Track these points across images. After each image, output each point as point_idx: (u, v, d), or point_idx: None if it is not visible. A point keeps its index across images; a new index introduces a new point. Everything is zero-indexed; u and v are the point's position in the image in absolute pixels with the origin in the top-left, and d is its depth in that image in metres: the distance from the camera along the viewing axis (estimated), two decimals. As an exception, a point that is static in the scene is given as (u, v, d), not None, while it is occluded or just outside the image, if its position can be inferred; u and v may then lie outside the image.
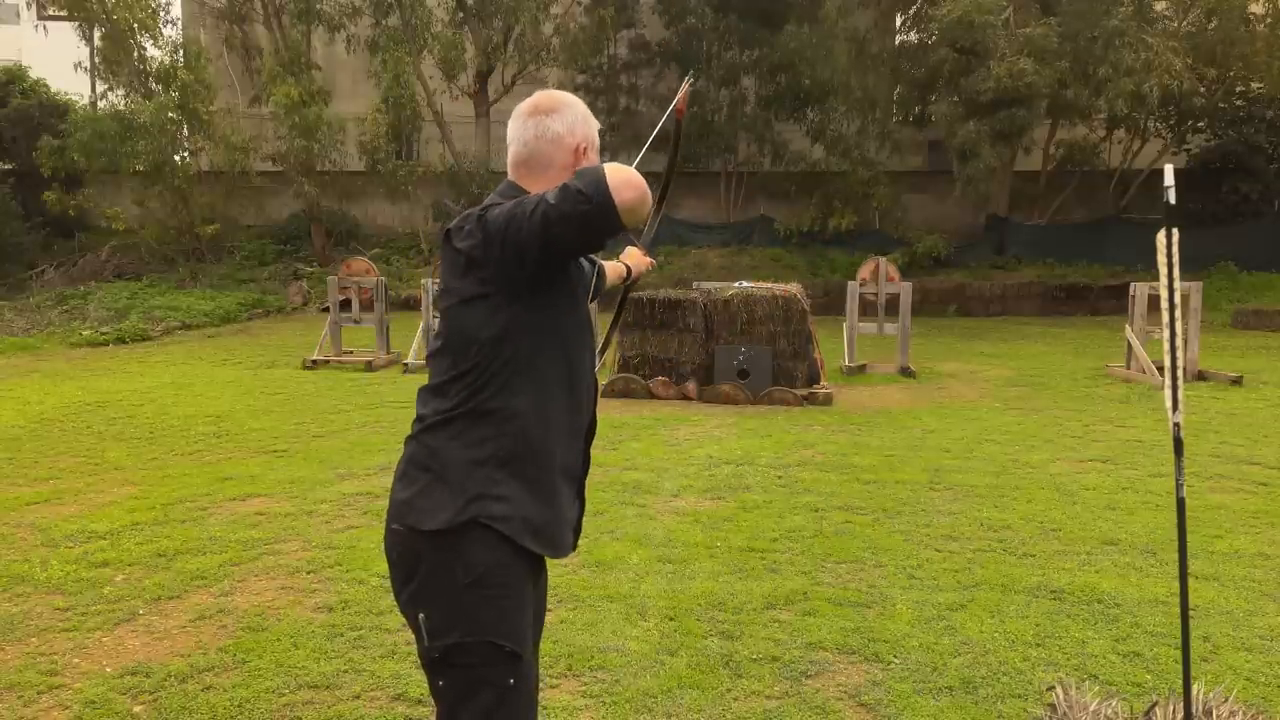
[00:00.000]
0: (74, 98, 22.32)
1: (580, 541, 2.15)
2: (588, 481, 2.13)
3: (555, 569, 3.48)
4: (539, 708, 2.33)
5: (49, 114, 21.07)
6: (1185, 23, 19.55)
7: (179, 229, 20.90)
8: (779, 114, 21.36)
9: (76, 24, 21.49)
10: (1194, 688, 2.62)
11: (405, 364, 11.69)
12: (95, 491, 5.96)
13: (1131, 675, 3.41)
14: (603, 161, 1.87)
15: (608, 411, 8.31)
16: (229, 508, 5.57)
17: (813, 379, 9.84)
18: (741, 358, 9.52)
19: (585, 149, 2.05)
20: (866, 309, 11.86)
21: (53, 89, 22.30)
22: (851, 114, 20.52)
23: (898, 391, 10.25)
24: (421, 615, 1.89)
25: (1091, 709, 2.74)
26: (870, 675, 3.42)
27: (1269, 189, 20.58)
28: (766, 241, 21.55)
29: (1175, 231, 2.47)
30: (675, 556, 4.66)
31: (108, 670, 3.46)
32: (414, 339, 11.87)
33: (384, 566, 2.15)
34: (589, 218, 1.71)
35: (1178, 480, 2.51)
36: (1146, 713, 2.73)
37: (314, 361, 11.82)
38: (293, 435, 7.73)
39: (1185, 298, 10.16)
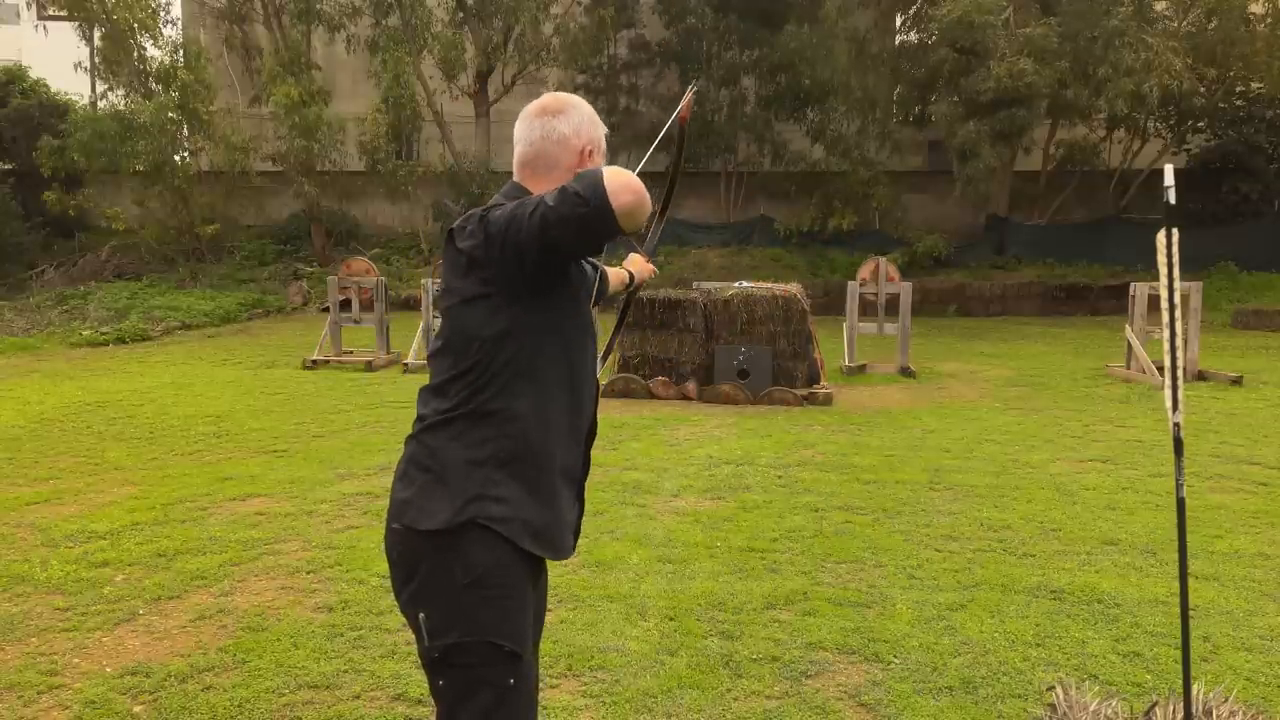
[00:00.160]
0: (74, 98, 22.33)
1: (580, 541, 2.15)
2: (587, 482, 2.13)
3: (555, 569, 3.48)
4: (539, 708, 2.33)
5: (49, 114, 21.07)
6: (1185, 23, 19.55)
7: (179, 229, 20.90)
8: (779, 114, 21.37)
9: (76, 24, 21.50)
10: (1194, 688, 2.62)
11: (405, 364, 11.69)
12: (95, 491, 5.96)
13: (1131, 675, 3.41)
14: (608, 164, 1.87)
15: (608, 411, 8.31)
16: (229, 508, 5.57)
17: (813, 379, 9.84)
18: (741, 358, 9.52)
19: (591, 151, 2.05)
20: (866, 309, 11.86)
21: (53, 89, 22.31)
22: (851, 114, 20.53)
23: (898, 391, 10.25)
24: (421, 615, 1.89)
25: (1091, 709, 2.74)
26: (870, 675, 3.42)
27: (1269, 189, 20.58)
28: (766, 241, 21.56)
29: (1175, 231, 2.47)
30: (675, 556, 4.66)
31: (108, 670, 3.46)
32: (414, 339, 11.87)
33: (384, 566, 2.15)
34: (586, 220, 1.71)
35: (1178, 480, 2.51)
36: (1146, 713, 2.73)
37: (314, 361, 11.82)
38: (293, 435, 7.73)
39: (1185, 298, 10.16)
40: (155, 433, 7.86)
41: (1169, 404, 2.51)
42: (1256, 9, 19.30)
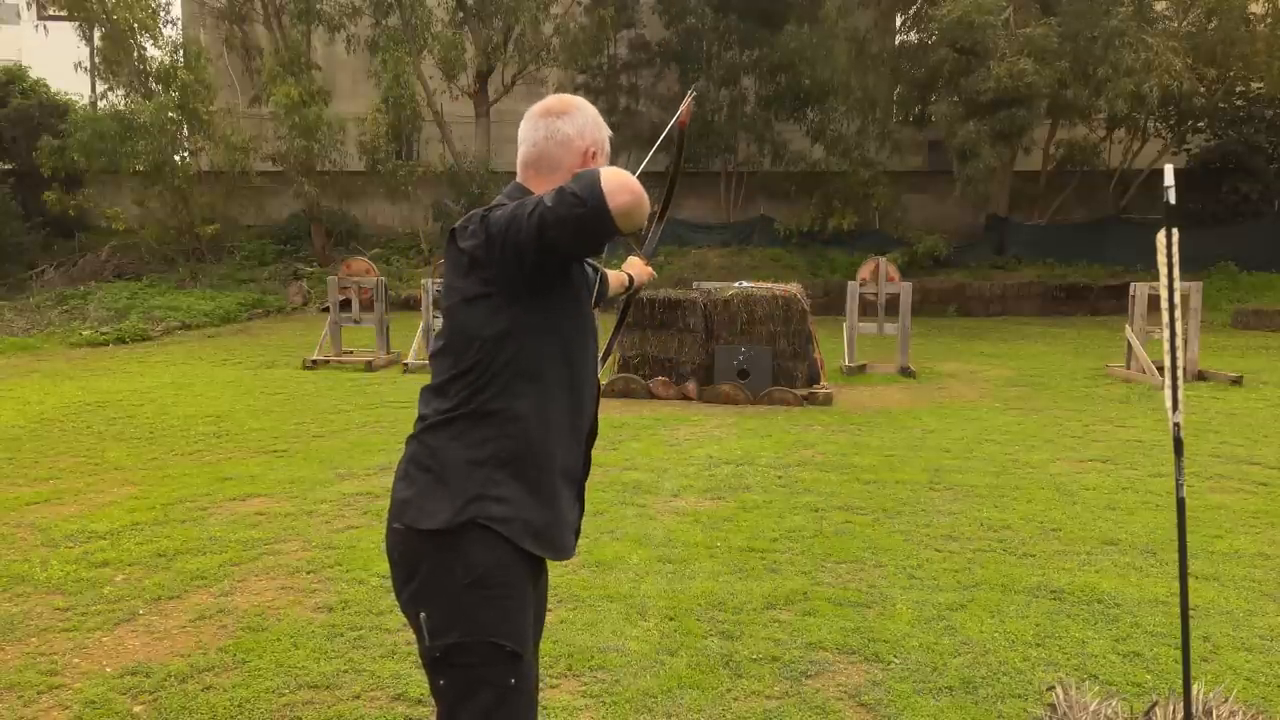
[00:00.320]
0: (74, 98, 22.33)
1: (580, 541, 2.15)
2: (587, 482, 2.13)
3: (555, 569, 3.48)
4: (539, 708, 2.33)
5: (49, 114, 21.08)
6: (1185, 23, 19.55)
7: (179, 229, 20.91)
8: (779, 114, 21.37)
9: (76, 24, 21.49)
10: (1194, 688, 2.62)
11: (405, 364, 11.69)
12: (95, 491, 5.96)
13: (1131, 675, 3.41)
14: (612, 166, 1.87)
15: (608, 411, 8.30)
16: (229, 508, 5.57)
17: (813, 379, 9.84)
18: (741, 358, 9.52)
19: (594, 153, 2.05)
20: (866, 309, 11.86)
21: (53, 89, 22.32)
22: (851, 114, 20.53)
23: (898, 391, 10.25)
24: (422, 614, 1.89)
25: (1091, 709, 2.74)
26: (870, 675, 3.42)
27: (1269, 189, 20.58)
28: (766, 241, 21.56)
29: (1175, 231, 2.47)
30: (675, 556, 4.66)
31: (108, 670, 3.46)
32: (414, 339, 11.87)
33: (384, 566, 2.15)
34: (584, 221, 1.71)
35: (1178, 480, 2.51)
36: (1146, 713, 2.73)
37: (314, 361, 11.82)
38: (293, 435, 7.73)
39: (1185, 298, 10.16)
40: (155, 433, 7.86)
41: (1169, 404, 2.51)
42: (1256, 9, 19.30)
